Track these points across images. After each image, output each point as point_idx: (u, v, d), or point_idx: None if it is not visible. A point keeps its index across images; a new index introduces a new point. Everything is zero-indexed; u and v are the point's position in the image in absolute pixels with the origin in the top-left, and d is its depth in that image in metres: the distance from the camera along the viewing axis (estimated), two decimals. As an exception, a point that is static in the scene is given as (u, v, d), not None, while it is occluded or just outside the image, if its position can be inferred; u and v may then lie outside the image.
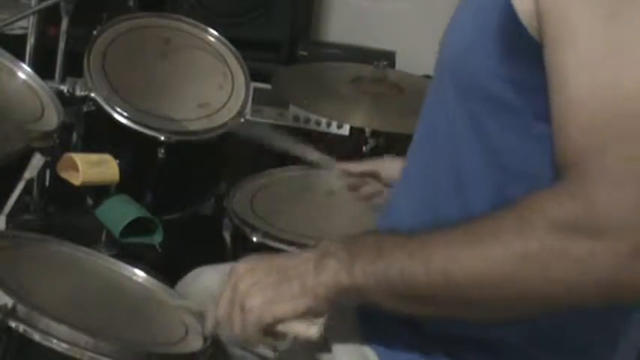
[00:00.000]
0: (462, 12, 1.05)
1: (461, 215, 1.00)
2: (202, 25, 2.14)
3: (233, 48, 2.12)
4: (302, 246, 1.52)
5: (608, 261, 0.83)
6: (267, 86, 2.36)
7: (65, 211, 1.92)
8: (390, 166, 1.47)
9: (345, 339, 1.12)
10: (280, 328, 0.99)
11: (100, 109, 1.89)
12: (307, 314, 0.98)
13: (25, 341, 1.03)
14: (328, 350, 1.12)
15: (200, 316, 1.17)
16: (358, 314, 1.13)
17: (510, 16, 0.94)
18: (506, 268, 0.87)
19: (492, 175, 1.01)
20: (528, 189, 0.89)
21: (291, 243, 1.66)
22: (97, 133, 1.95)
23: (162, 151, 1.91)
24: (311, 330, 0.99)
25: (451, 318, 0.97)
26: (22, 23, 2.04)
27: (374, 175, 1.52)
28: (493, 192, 1.01)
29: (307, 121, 2.67)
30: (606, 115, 0.85)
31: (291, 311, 0.98)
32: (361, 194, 1.55)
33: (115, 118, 1.87)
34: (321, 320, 0.99)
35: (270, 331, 1.00)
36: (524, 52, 0.94)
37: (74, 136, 1.94)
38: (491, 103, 0.99)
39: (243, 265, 1.03)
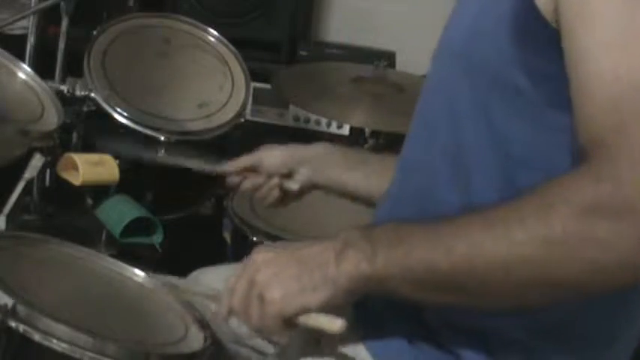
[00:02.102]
0: None
1: (462, 204, 0.99)
2: (202, 25, 2.14)
3: (233, 48, 2.12)
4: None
5: (633, 241, 0.82)
6: (267, 86, 2.36)
7: (65, 211, 1.92)
8: (268, 155, 1.44)
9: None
10: (301, 320, 0.98)
11: (100, 109, 1.89)
12: (329, 305, 0.97)
13: (25, 341, 1.02)
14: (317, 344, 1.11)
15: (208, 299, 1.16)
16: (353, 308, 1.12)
17: (525, 1, 0.93)
18: (529, 252, 0.86)
19: (499, 165, 0.99)
20: (538, 180, 0.88)
21: (290, 243, 1.66)
22: (97, 133, 1.95)
23: (162, 151, 1.91)
24: (336, 324, 0.97)
25: (471, 306, 0.95)
26: (22, 23, 2.04)
27: (253, 169, 1.45)
28: (500, 182, 0.99)
29: (307, 121, 2.67)
30: (627, 94, 0.84)
31: (314, 302, 0.96)
32: (242, 190, 1.49)
33: (115, 118, 1.88)
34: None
35: (290, 323, 0.98)
36: (539, 38, 0.93)
37: (74, 136, 1.94)
38: (503, 90, 0.97)
39: (260, 255, 1.01)
